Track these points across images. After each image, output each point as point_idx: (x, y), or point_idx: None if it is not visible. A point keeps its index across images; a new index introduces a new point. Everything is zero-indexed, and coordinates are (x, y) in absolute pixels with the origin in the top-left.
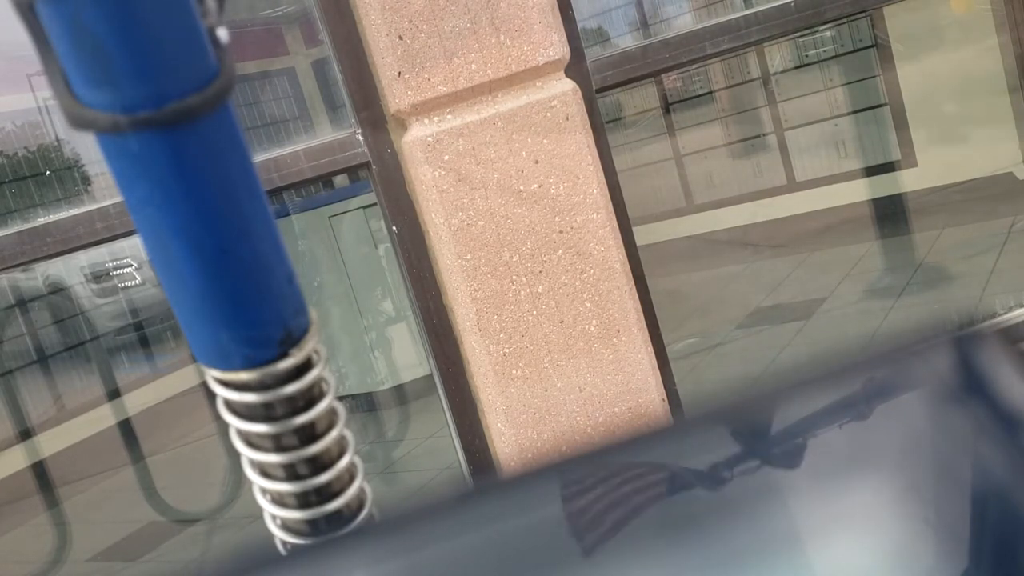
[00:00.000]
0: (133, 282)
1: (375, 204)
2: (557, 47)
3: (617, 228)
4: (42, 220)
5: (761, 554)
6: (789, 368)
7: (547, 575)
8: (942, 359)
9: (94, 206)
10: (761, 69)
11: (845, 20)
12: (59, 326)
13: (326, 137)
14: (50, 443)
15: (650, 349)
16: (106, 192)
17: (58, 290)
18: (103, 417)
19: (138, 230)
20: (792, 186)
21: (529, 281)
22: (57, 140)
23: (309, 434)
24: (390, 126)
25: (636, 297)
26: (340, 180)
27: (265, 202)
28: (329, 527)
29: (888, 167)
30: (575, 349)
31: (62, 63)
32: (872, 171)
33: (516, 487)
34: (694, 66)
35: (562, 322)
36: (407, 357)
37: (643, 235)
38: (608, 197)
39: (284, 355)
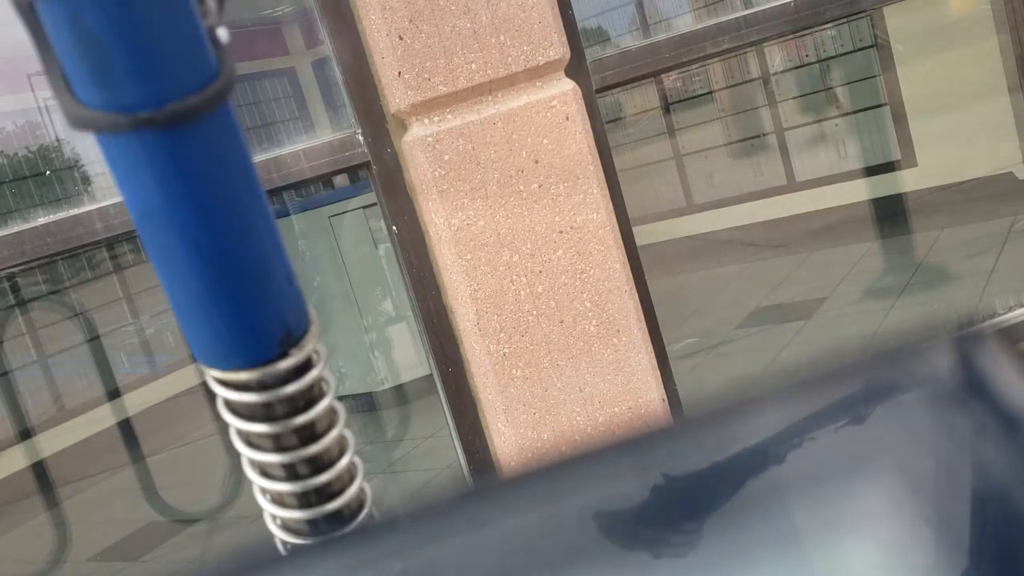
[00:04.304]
0: None
1: (375, 204)
2: (557, 47)
3: (617, 228)
4: (42, 220)
5: (761, 554)
6: (789, 368)
7: (547, 575)
8: (942, 359)
9: (94, 206)
10: (761, 69)
11: (845, 20)
12: None
13: (326, 137)
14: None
15: (650, 349)
16: (106, 192)
17: None
18: None
19: (138, 230)
20: (792, 186)
21: (529, 281)
22: (57, 140)
23: (309, 434)
24: (390, 126)
25: (636, 297)
26: (340, 180)
27: (265, 202)
28: (329, 527)
29: (888, 167)
30: (575, 349)
31: (62, 63)
32: (872, 171)
33: (516, 487)
34: (694, 66)
35: (562, 322)
36: (407, 357)
37: (643, 235)
38: (608, 197)
39: (284, 355)
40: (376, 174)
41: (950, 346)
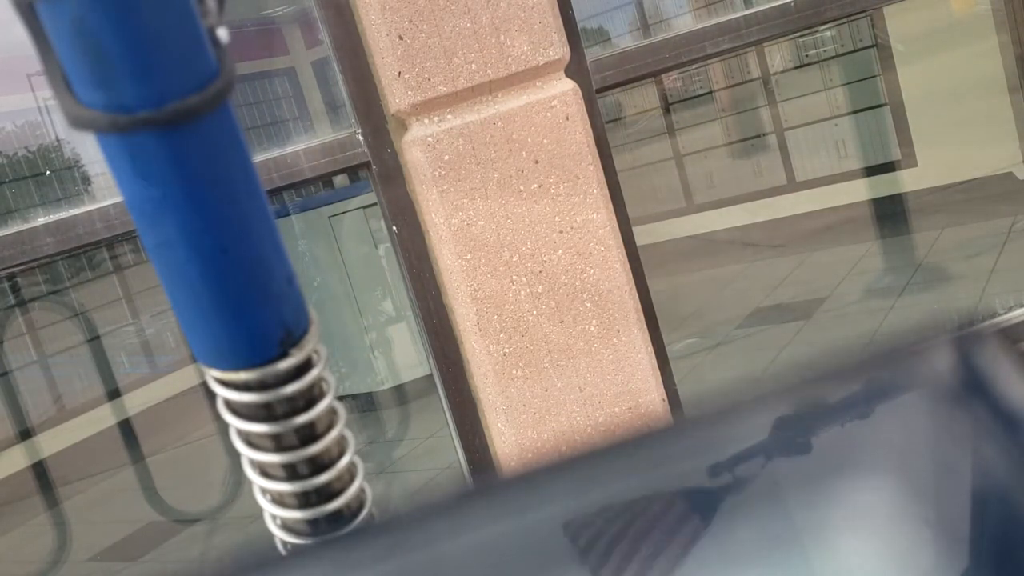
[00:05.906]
0: None
1: (375, 204)
2: (557, 47)
3: (617, 228)
4: (42, 220)
5: (761, 554)
6: (789, 368)
7: (547, 575)
8: (942, 359)
9: (94, 206)
10: (761, 69)
11: (845, 20)
12: None
13: (326, 137)
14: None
15: (650, 349)
16: (106, 192)
17: None
18: None
19: (138, 230)
20: (792, 186)
21: (529, 281)
22: (57, 140)
23: (309, 434)
24: (390, 126)
25: (636, 297)
26: (340, 180)
27: (265, 202)
28: (329, 527)
29: (888, 167)
30: (575, 349)
31: (62, 63)
32: (872, 171)
33: (516, 487)
34: (694, 66)
35: (562, 322)
36: (407, 357)
37: (643, 235)
38: (608, 197)
39: (284, 355)
40: (376, 174)
41: (950, 346)
